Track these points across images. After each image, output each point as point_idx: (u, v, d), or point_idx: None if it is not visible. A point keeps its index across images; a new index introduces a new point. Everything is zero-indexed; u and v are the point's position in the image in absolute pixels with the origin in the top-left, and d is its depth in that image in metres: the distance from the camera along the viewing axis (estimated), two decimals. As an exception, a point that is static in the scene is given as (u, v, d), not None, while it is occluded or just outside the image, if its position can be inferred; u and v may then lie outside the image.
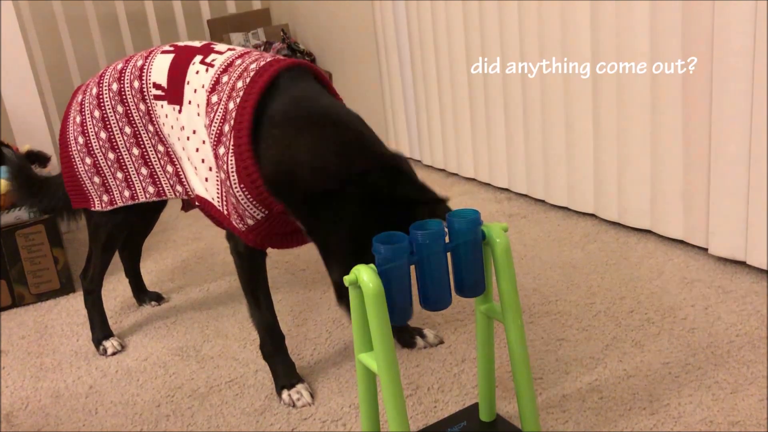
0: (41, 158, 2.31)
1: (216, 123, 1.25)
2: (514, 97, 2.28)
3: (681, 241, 1.85)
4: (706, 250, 1.77)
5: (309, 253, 2.13)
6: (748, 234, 1.63)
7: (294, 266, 2.06)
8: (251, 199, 1.22)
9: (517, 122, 2.30)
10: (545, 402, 1.28)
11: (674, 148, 1.78)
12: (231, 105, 1.23)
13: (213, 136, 1.25)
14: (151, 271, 2.15)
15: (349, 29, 3.39)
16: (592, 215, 2.11)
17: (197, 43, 1.43)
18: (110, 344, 1.67)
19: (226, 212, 1.30)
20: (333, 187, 1.11)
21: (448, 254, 1.04)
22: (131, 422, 1.38)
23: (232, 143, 1.21)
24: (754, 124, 1.55)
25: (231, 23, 3.88)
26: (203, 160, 1.32)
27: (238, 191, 1.22)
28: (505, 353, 1.42)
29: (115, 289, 2.04)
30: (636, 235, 1.95)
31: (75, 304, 1.98)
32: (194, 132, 1.33)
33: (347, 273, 0.98)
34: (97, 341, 1.68)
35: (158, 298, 1.92)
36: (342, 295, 1.13)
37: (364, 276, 0.96)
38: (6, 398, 1.53)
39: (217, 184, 1.30)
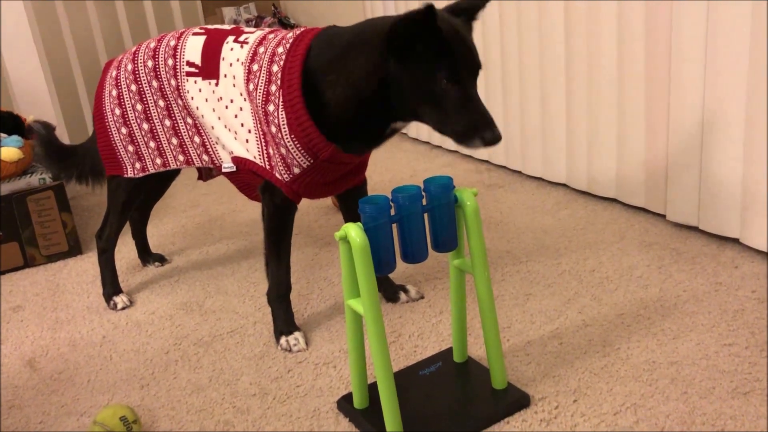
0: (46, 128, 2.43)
1: (261, 85, 1.42)
2: (493, 76, 2.43)
3: (642, 209, 2.02)
4: (663, 216, 1.95)
5: (301, 219, 2.29)
6: (701, 202, 1.80)
7: (287, 231, 2.21)
8: (300, 148, 1.39)
9: (496, 99, 2.45)
10: (512, 347, 1.45)
11: (637, 126, 1.93)
12: (275, 68, 1.40)
13: (260, 97, 1.42)
14: (152, 235, 2.29)
15: (339, 4, 3.51)
16: (564, 185, 2.28)
17: (226, 27, 1.59)
18: (120, 299, 1.83)
19: (268, 167, 1.47)
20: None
21: (425, 215, 1.20)
22: (143, 366, 1.54)
23: (281, 100, 1.38)
24: (706, 105, 1.71)
25: (223, -3, 3.98)
26: (242, 124, 1.49)
27: (288, 141, 1.39)
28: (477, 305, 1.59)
29: (120, 251, 2.17)
30: (603, 203, 2.12)
31: (83, 264, 2.13)
32: (231, 101, 1.49)
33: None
34: (108, 296, 1.84)
35: (161, 259, 2.08)
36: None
37: (352, 232, 1.12)
38: (27, 346, 1.68)
39: (258, 144, 1.47)
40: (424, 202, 1.19)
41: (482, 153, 2.60)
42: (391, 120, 1.38)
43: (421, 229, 1.19)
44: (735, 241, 1.76)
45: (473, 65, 1.29)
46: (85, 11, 3.57)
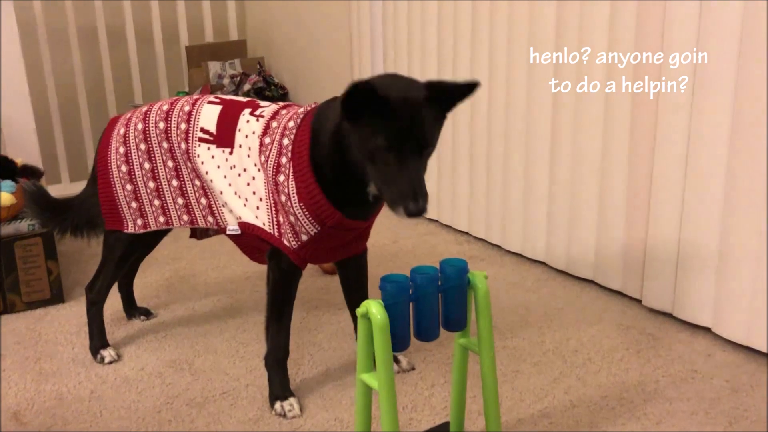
0: (35, 172, 2.43)
1: (272, 157, 1.50)
2: (478, 147, 2.54)
3: (619, 292, 2.12)
4: (639, 301, 2.05)
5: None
6: (676, 290, 1.91)
7: (273, 291, 2.23)
8: (308, 216, 1.47)
9: (480, 172, 2.55)
10: (504, 424, 1.50)
11: (618, 213, 2.05)
12: (285, 141, 1.49)
13: (272, 168, 1.50)
14: (136, 286, 2.28)
15: (324, 66, 3.61)
16: (543, 263, 2.37)
17: (242, 99, 1.66)
18: (108, 353, 1.82)
19: (277, 234, 1.52)
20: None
21: (439, 295, 1.26)
22: (135, 425, 1.54)
23: (291, 171, 1.46)
24: (687, 194, 1.84)
25: (208, 52, 4.05)
26: (254, 192, 1.55)
27: (298, 210, 1.46)
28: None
29: (103, 302, 2.17)
30: (580, 284, 2.21)
31: (65, 314, 2.11)
32: (245, 170, 1.56)
33: None
34: (95, 350, 1.83)
35: (147, 313, 2.07)
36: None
37: (373, 309, 1.17)
38: (11, 398, 1.66)
39: (268, 211, 1.53)
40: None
41: (462, 224, 2.69)
42: (366, 182, 1.44)
43: (435, 308, 1.25)
44: (707, 330, 1.86)
45: (415, 140, 1.31)
46: (69, 53, 3.58)
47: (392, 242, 2.65)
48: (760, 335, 1.72)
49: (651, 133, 1.91)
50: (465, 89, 1.37)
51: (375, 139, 1.30)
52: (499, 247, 2.54)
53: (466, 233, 2.69)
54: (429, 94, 1.33)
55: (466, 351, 1.35)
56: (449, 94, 1.37)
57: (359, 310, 1.18)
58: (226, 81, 3.89)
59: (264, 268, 1.62)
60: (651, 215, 1.95)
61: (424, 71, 2.73)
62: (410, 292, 1.22)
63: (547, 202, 2.30)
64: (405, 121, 1.30)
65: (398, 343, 1.21)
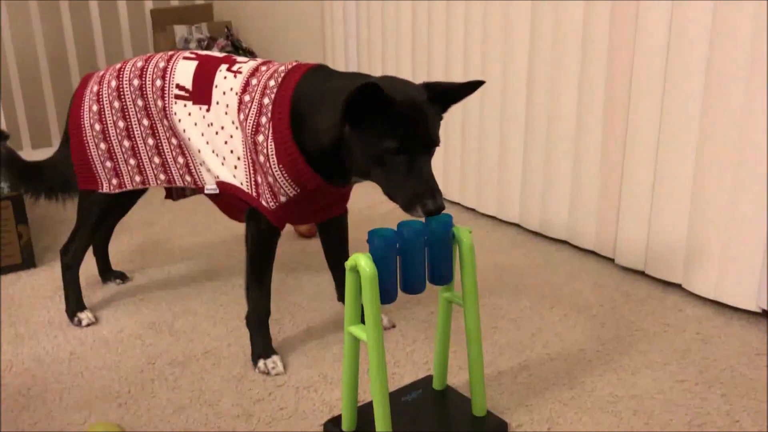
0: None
1: (252, 116, 1.47)
2: (453, 111, 2.54)
3: (592, 252, 2.16)
4: (612, 260, 2.10)
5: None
6: (648, 249, 1.96)
7: (250, 254, 2.23)
8: (287, 177, 1.44)
9: (455, 136, 2.57)
10: (486, 377, 1.52)
11: (592, 173, 2.09)
12: (266, 100, 1.45)
13: (251, 128, 1.47)
14: (109, 252, 2.25)
15: (293, 31, 3.57)
16: (517, 225, 2.41)
17: (219, 54, 1.62)
18: (85, 316, 1.80)
19: (255, 194, 1.50)
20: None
21: (425, 249, 1.27)
22: (118, 384, 1.53)
23: (271, 131, 1.43)
24: (659, 157, 1.88)
25: (174, 15, 3.96)
26: (232, 151, 1.52)
27: (276, 171, 1.44)
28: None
29: (77, 266, 2.14)
30: (555, 245, 2.26)
31: (38, 278, 2.07)
32: (222, 128, 1.53)
33: None
34: (72, 313, 1.81)
35: (123, 276, 2.05)
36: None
37: (362, 262, 1.18)
38: (-12, 361, 1.63)
39: (246, 171, 1.51)
40: (424, 237, 1.27)
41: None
42: (352, 173, 1.44)
43: (422, 262, 1.26)
44: (678, 286, 1.92)
45: (423, 140, 1.32)
46: (29, 17, 3.48)
47: (368, 207, 2.65)
48: (727, 290, 1.78)
49: (626, 93, 1.94)
50: (464, 89, 1.39)
51: (383, 142, 1.29)
52: (473, 210, 2.57)
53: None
54: (429, 95, 1.34)
55: (450, 305, 1.38)
56: (448, 95, 1.38)
57: (348, 263, 1.19)
58: (192, 45, 3.81)
59: (240, 232, 1.62)
60: (624, 176, 1.99)
61: (399, 32, 2.72)
62: (397, 246, 1.23)
63: (522, 164, 2.32)
64: (412, 121, 1.30)
65: (386, 295, 1.22)
